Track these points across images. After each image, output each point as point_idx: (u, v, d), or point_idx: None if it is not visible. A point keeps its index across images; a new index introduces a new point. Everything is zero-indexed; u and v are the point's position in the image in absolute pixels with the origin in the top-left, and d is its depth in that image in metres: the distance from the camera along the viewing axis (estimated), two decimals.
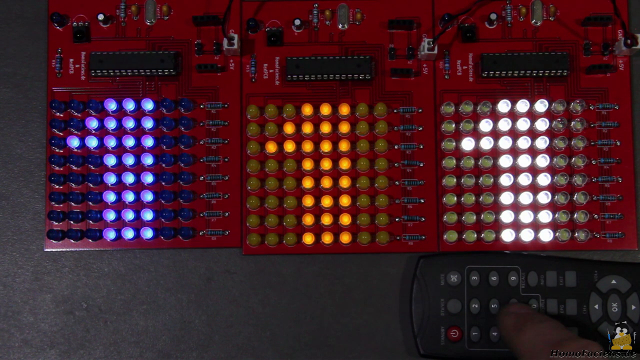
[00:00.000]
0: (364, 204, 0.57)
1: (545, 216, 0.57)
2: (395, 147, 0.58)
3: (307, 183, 0.57)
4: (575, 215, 0.57)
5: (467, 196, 0.57)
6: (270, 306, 0.58)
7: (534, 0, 0.59)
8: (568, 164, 0.58)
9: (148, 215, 0.57)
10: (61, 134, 0.58)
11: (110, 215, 0.57)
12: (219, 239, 0.58)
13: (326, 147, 0.58)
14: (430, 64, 0.59)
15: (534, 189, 0.58)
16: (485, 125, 0.58)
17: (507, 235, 0.57)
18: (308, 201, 0.57)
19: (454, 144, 0.58)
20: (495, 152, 0.58)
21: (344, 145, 0.58)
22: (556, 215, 0.57)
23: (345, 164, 0.58)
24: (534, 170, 0.58)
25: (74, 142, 0.58)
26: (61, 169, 0.58)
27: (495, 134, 0.58)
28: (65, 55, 0.59)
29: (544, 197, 0.57)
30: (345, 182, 0.57)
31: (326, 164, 0.57)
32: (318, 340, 0.57)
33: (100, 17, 0.59)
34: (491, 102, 0.58)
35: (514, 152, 0.58)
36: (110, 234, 0.57)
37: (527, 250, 0.57)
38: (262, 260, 0.58)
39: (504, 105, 0.58)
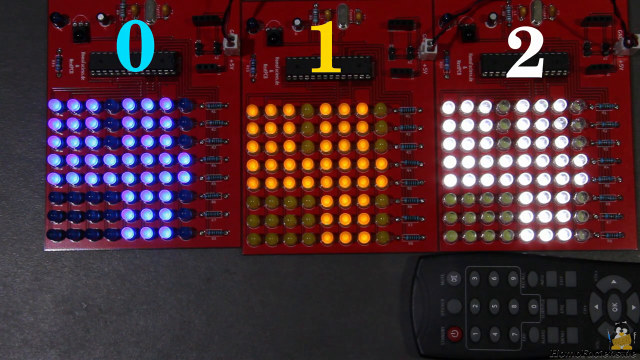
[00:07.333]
0: (364, 204, 0.57)
1: (545, 216, 0.57)
2: (395, 147, 0.58)
3: (307, 183, 0.57)
4: (575, 215, 0.57)
5: (467, 196, 0.57)
6: (270, 306, 0.58)
7: (534, 0, 0.59)
8: (568, 164, 0.58)
9: (148, 215, 0.57)
10: (61, 134, 0.58)
11: (110, 215, 0.57)
12: (219, 239, 0.58)
13: (326, 147, 0.58)
14: (430, 64, 0.59)
15: (534, 189, 0.58)
16: (485, 125, 0.58)
17: (507, 235, 0.57)
18: (308, 201, 0.57)
19: (454, 144, 0.58)
20: (495, 152, 0.58)
21: (344, 145, 0.58)
22: (556, 215, 0.57)
23: (345, 164, 0.58)
24: (534, 170, 0.58)
25: (74, 142, 0.58)
26: (61, 169, 0.58)
27: (496, 134, 0.58)
28: (65, 55, 0.59)
29: (543, 197, 0.57)
30: (345, 182, 0.57)
31: (326, 164, 0.57)
32: (318, 340, 0.57)
33: (100, 17, 0.59)
34: (491, 102, 0.58)
35: (514, 152, 0.58)
36: (111, 234, 0.57)
37: (527, 250, 0.57)
38: (262, 260, 0.58)
39: (504, 106, 0.58)
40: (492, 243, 0.57)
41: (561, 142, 0.58)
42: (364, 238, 0.57)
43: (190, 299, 0.58)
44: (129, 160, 0.58)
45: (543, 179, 0.57)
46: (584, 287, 0.56)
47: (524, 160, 0.57)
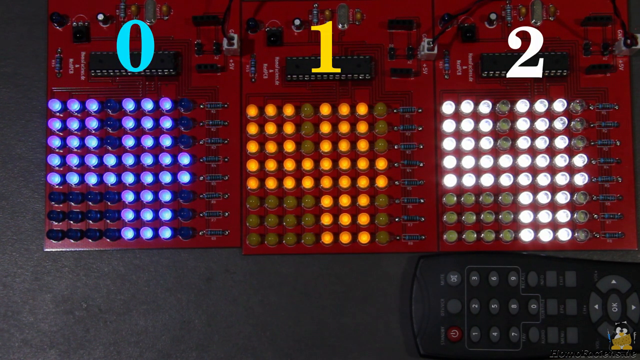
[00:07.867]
0: (363, 204, 0.57)
1: (545, 216, 0.57)
2: (395, 147, 0.58)
3: (307, 183, 0.57)
4: (575, 215, 0.57)
5: (467, 196, 0.57)
6: (270, 306, 0.58)
7: (533, 0, 0.59)
8: (568, 164, 0.58)
9: (148, 215, 0.57)
10: (61, 134, 0.58)
11: (110, 215, 0.57)
12: (218, 239, 0.58)
13: (326, 147, 0.58)
14: (430, 64, 0.59)
15: (534, 189, 0.58)
16: (485, 125, 0.58)
17: (507, 235, 0.57)
18: (308, 201, 0.57)
19: (454, 143, 0.58)
20: (495, 152, 0.58)
21: (343, 145, 0.58)
22: (556, 215, 0.57)
23: (345, 164, 0.58)
24: (533, 170, 0.58)
25: (74, 142, 0.58)
26: (61, 169, 0.58)
27: (495, 134, 0.58)
28: (65, 55, 0.59)
29: (543, 197, 0.57)
30: (345, 182, 0.57)
31: (326, 164, 0.57)
32: (318, 340, 0.57)
33: (100, 17, 0.59)
34: (491, 102, 0.58)
35: (514, 152, 0.58)
36: (110, 234, 0.57)
37: (527, 250, 0.57)
38: (262, 260, 0.58)
39: (504, 106, 0.58)
40: (492, 243, 0.57)
41: (561, 142, 0.58)
42: (364, 238, 0.57)
43: (190, 299, 0.58)
44: (129, 160, 0.58)
45: (543, 179, 0.57)
46: (583, 287, 0.56)
47: (524, 160, 0.57)
